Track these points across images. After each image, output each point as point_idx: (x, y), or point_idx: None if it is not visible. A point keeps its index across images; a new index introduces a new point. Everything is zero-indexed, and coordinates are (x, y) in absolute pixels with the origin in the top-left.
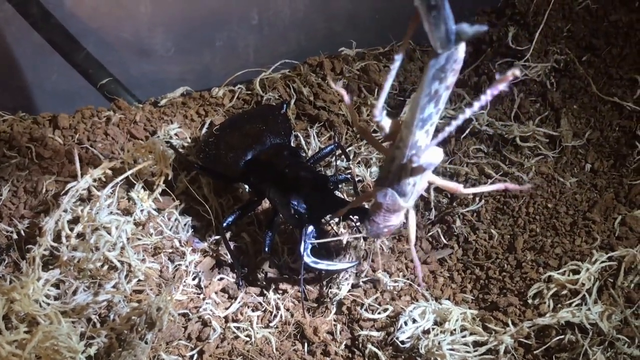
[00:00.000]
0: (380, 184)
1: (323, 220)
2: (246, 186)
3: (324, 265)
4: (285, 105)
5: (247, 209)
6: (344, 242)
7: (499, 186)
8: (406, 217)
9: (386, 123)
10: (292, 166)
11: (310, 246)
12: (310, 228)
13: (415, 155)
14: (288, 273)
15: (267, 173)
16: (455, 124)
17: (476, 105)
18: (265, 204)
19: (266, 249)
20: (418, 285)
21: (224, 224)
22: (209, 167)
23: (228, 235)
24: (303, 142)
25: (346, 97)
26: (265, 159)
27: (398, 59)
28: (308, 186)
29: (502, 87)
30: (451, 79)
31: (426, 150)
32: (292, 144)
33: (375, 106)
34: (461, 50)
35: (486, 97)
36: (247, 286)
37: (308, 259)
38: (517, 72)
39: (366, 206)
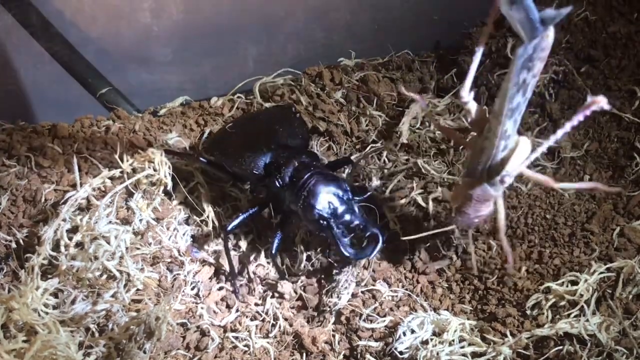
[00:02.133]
0: (469, 175)
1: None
2: (248, 190)
3: (364, 254)
4: (294, 108)
5: (254, 214)
6: None
7: (590, 185)
8: (495, 206)
9: (472, 106)
10: (314, 170)
11: (347, 243)
12: (338, 231)
13: (505, 147)
14: (288, 278)
15: (286, 177)
16: (546, 144)
17: (560, 132)
18: (264, 213)
19: (274, 251)
20: (505, 273)
21: (228, 228)
22: (222, 165)
23: (231, 245)
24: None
25: (422, 101)
26: (286, 162)
27: (479, 50)
28: (330, 191)
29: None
30: (539, 66)
31: (513, 138)
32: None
33: (463, 87)
34: (550, 36)
35: (572, 123)
36: (243, 296)
37: (351, 255)
38: (605, 104)
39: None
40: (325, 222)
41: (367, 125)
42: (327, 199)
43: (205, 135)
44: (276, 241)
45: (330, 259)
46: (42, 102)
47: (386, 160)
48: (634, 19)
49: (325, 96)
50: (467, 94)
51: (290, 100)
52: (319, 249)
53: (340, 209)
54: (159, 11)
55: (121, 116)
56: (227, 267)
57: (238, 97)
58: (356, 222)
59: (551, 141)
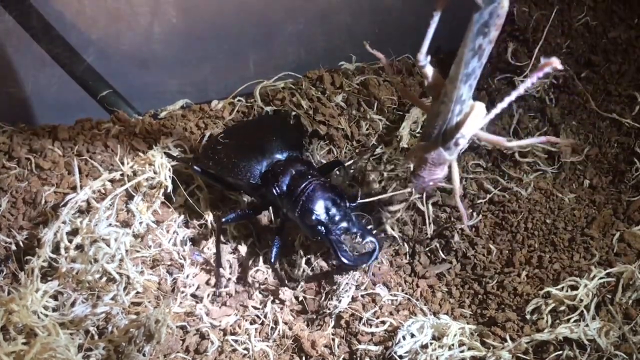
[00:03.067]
0: (425, 139)
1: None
2: (245, 198)
3: (362, 260)
4: (292, 115)
5: (250, 215)
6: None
7: (542, 139)
8: (450, 170)
9: (429, 70)
10: (311, 179)
11: (345, 250)
12: (335, 237)
13: (460, 111)
14: (288, 284)
15: (284, 185)
16: (508, 100)
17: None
18: (264, 217)
19: (273, 259)
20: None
21: (224, 219)
22: (215, 174)
23: (230, 248)
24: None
25: (383, 58)
26: (283, 170)
27: (436, 14)
28: (328, 198)
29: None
30: (494, 33)
31: (468, 103)
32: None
33: (420, 51)
34: (505, 3)
35: (531, 79)
36: (220, 293)
37: (349, 261)
38: (557, 64)
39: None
40: (323, 228)
41: (367, 129)
42: (324, 205)
43: (206, 138)
44: (275, 249)
45: (329, 262)
46: (43, 104)
47: (386, 163)
48: (634, 25)
49: (326, 100)
50: (423, 58)
51: (291, 104)
52: (318, 253)
53: (338, 215)
54: (159, 14)
55: (122, 119)
56: (223, 272)
57: (238, 100)
58: (354, 229)
59: (505, 103)
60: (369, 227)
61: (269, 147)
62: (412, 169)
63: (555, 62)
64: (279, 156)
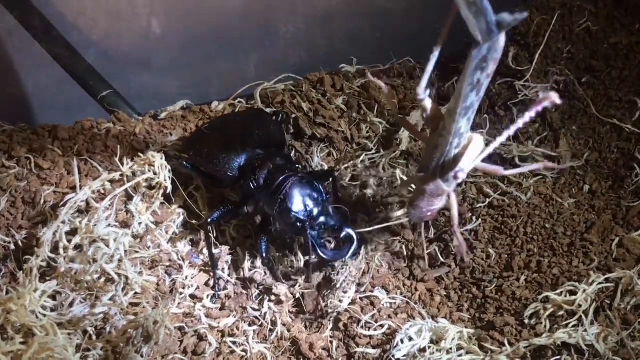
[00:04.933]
0: (422, 171)
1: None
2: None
3: (339, 254)
4: (281, 116)
5: (233, 209)
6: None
7: (538, 166)
8: (449, 200)
9: (428, 103)
10: (288, 173)
11: (322, 245)
12: (313, 233)
13: (458, 144)
14: (284, 282)
15: (261, 179)
16: (506, 134)
17: (514, 128)
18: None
19: (264, 255)
20: (462, 261)
21: (209, 220)
22: (199, 166)
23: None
24: (308, 158)
25: (384, 87)
26: (260, 165)
27: (436, 50)
28: (305, 195)
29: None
30: (492, 67)
31: (466, 136)
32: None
33: (419, 85)
34: (502, 40)
35: (524, 119)
36: (219, 295)
37: (328, 257)
38: (556, 99)
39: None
40: (301, 225)
41: (367, 132)
42: (303, 202)
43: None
44: (263, 245)
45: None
46: (43, 104)
47: (385, 167)
48: (635, 30)
49: (327, 102)
50: (422, 92)
51: (291, 106)
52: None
53: (316, 210)
54: (160, 15)
55: (122, 119)
56: (220, 274)
57: (239, 101)
58: (331, 223)
59: (503, 137)
60: (347, 219)
61: (249, 140)
62: (410, 200)
63: (554, 97)
64: (259, 150)
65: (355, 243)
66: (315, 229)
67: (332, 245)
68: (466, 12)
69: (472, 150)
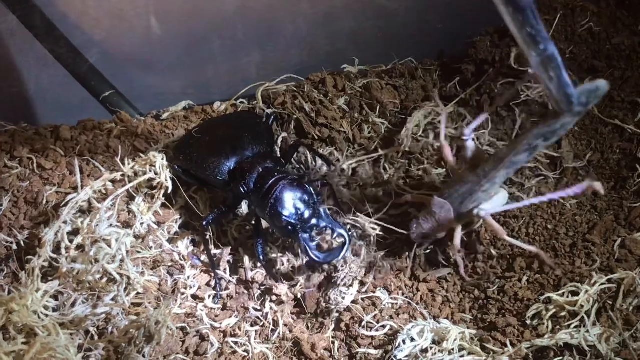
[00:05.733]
0: (442, 196)
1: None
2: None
3: (332, 256)
4: (272, 118)
5: (227, 211)
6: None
7: (532, 249)
8: (453, 231)
9: (470, 144)
10: (278, 176)
11: (315, 248)
12: (305, 235)
13: (487, 190)
14: (286, 283)
15: (251, 182)
16: (524, 203)
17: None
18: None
19: (261, 257)
20: (462, 280)
21: (204, 222)
22: (189, 170)
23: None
24: (308, 159)
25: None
26: (250, 168)
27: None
28: (296, 198)
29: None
30: (553, 140)
31: (497, 186)
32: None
33: (468, 127)
34: (574, 120)
35: (568, 192)
36: (221, 295)
37: (320, 259)
38: (600, 189)
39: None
40: (292, 228)
41: (369, 133)
42: (294, 205)
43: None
44: (259, 248)
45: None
46: (45, 104)
47: (386, 167)
48: (638, 31)
49: (328, 103)
50: (469, 133)
51: (293, 106)
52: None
53: (307, 213)
54: (162, 15)
55: (124, 119)
56: (222, 274)
57: (241, 102)
58: (323, 224)
59: (521, 204)
60: (339, 220)
61: (239, 144)
62: (417, 217)
63: (598, 187)
64: (248, 153)
65: (348, 244)
66: (307, 231)
67: (327, 246)
68: (547, 83)
69: (495, 201)
